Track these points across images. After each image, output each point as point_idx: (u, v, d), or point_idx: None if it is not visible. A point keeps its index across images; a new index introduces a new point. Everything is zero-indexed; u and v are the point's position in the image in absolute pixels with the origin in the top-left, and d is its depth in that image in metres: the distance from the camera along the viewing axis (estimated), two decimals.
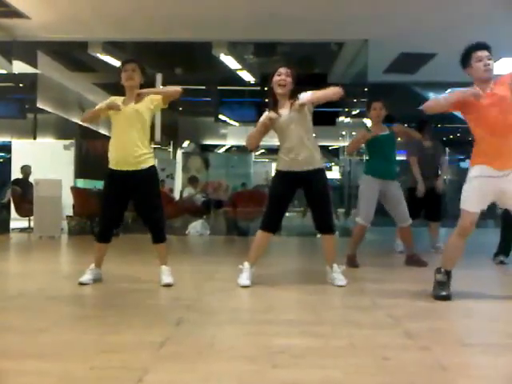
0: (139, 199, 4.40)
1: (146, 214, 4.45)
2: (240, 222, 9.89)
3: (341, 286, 4.40)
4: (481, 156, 3.84)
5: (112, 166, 4.35)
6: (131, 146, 4.27)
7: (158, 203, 4.45)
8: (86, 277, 4.40)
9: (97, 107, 4.38)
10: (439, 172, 6.92)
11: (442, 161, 6.91)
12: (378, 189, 5.47)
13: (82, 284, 4.34)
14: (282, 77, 4.34)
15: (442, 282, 3.97)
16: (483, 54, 3.90)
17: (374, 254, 6.76)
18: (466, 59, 3.99)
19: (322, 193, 4.44)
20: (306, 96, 4.25)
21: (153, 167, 4.40)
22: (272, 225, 4.52)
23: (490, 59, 3.89)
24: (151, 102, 4.30)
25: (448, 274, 3.99)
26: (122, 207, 4.47)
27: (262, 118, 4.44)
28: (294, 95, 4.36)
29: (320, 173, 4.45)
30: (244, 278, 4.37)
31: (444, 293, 3.94)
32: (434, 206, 6.63)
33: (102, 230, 4.50)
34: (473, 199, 3.83)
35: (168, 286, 4.32)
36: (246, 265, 4.44)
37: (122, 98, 4.37)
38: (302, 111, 4.35)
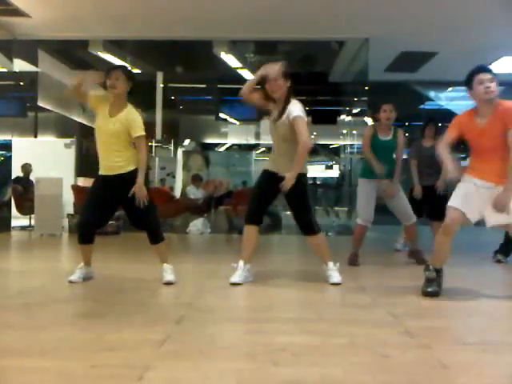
0: (128, 203, 4.31)
1: (138, 218, 4.37)
2: (241, 221, 9.88)
3: (335, 284, 4.40)
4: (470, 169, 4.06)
5: (100, 171, 4.35)
6: (112, 154, 4.25)
7: (149, 205, 4.30)
8: (76, 275, 4.39)
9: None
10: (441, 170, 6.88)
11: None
12: (373, 189, 5.49)
13: (71, 282, 4.33)
14: (271, 83, 4.28)
15: (430, 279, 4.05)
16: (485, 76, 3.90)
17: (375, 252, 6.76)
18: (468, 82, 3.99)
19: (298, 196, 4.38)
20: (288, 180, 4.17)
21: (134, 170, 4.28)
22: (254, 217, 4.50)
23: (492, 81, 3.89)
24: (128, 125, 4.24)
25: (437, 271, 4.05)
26: (106, 211, 4.45)
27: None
28: (290, 94, 4.31)
29: (297, 178, 4.26)
30: (236, 276, 4.37)
31: (430, 289, 4.01)
32: (436, 205, 6.59)
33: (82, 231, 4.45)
34: (457, 197, 4.00)
35: (169, 284, 4.32)
36: (241, 263, 4.44)
37: (110, 97, 4.31)
38: (285, 124, 4.28)
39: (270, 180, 4.40)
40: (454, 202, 3.99)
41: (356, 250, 5.60)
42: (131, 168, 4.29)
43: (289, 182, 4.19)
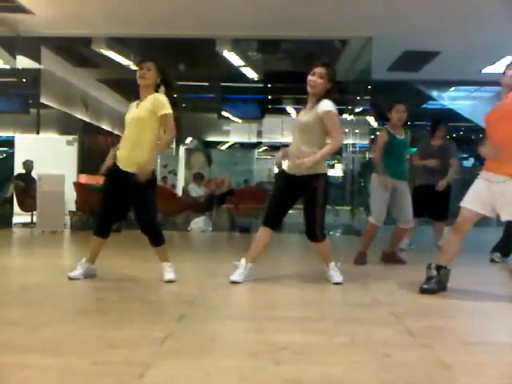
0: (132, 201, 4.33)
1: (140, 217, 4.37)
2: (242, 219, 9.88)
3: (338, 284, 4.40)
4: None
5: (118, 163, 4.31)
6: (134, 148, 4.25)
7: (151, 206, 4.35)
8: (77, 272, 4.37)
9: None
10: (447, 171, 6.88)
11: (451, 163, 6.62)
12: (389, 187, 5.47)
13: (71, 279, 4.31)
14: (315, 77, 4.30)
15: (430, 277, 4.07)
16: None
17: (377, 251, 6.75)
18: (507, 66, 4.07)
19: (311, 200, 4.36)
20: (302, 163, 4.18)
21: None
22: (271, 221, 4.49)
23: None
24: (153, 107, 4.23)
25: (439, 269, 4.05)
26: (123, 204, 4.42)
27: None
28: (328, 95, 4.32)
29: (314, 179, 4.31)
30: (236, 274, 4.36)
31: (426, 285, 4.05)
32: (438, 205, 6.57)
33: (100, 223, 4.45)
34: (468, 195, 4.01)
35: (170, 282, 4.32)
36: (243, 261, 4.43)
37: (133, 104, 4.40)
38: (318, 119, 4.28)
39: (287, 184, 4.41)
40: (465, 200, 4.01)
41: (365, 248, 5.60)
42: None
43: (302, 164, 4.17)
